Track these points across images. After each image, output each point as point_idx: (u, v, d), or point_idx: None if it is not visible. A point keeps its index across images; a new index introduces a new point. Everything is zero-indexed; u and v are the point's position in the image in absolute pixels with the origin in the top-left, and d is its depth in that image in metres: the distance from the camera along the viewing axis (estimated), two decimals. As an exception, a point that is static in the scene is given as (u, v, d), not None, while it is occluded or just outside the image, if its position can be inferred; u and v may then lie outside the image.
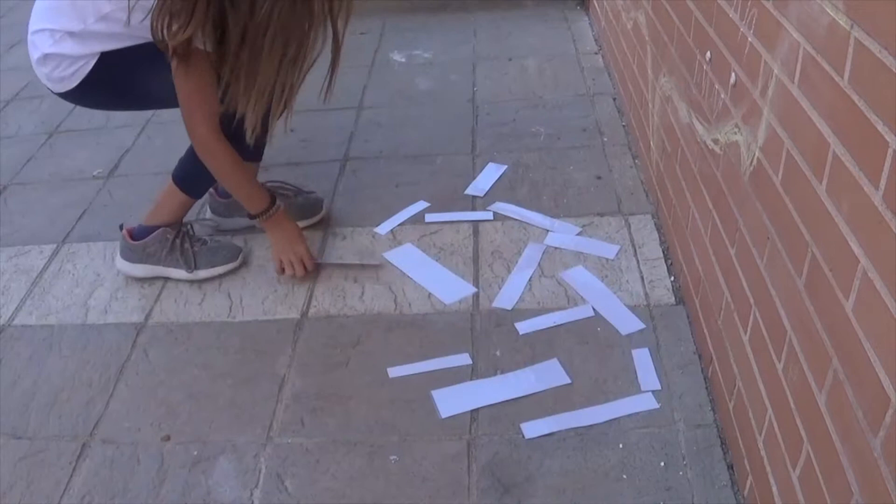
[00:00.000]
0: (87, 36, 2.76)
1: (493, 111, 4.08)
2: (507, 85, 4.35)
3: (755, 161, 2.00)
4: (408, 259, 3.10)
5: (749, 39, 2.03)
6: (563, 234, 3.14)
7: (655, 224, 3.15)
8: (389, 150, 3.79)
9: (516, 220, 3.23)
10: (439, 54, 4.79)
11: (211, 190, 3.26)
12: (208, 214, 3.31)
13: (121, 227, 3.06)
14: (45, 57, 2.81)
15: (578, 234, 3.14)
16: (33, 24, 2.85)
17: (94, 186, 3.69)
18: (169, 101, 2.80)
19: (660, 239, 3.07)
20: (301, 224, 3.23)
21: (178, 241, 3.03)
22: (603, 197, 3.35)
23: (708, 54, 2.40)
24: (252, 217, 3.02)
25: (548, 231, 3.16)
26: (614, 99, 4.09)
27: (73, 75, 2.81)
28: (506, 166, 3.58)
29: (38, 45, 2.82)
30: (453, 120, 4.02)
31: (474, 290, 2.89)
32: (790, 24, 1.75)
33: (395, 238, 3.18)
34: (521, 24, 5.12)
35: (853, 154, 1.44)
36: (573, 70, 4.46)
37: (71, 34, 2.76)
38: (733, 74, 2.16)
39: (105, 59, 2.80)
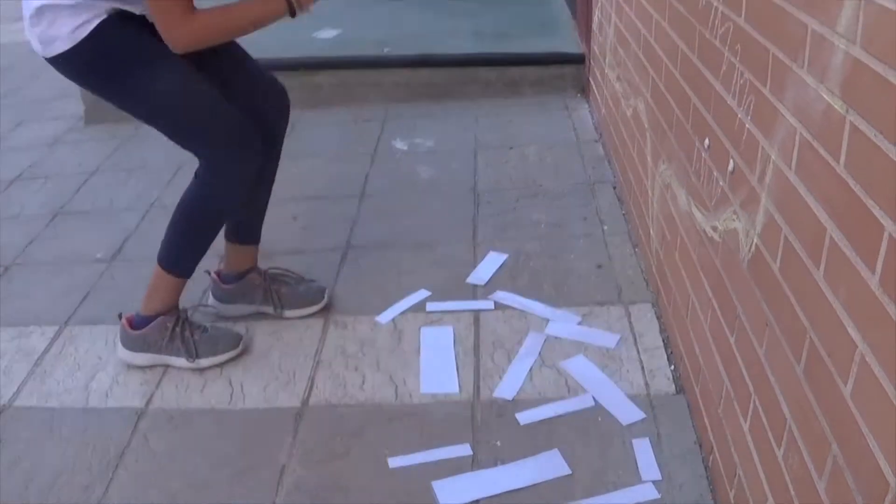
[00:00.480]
0: None
1: (495, 200, 4.10)
2: (508, 173, 4.38)
3: (753, 248, 2.00)
4: (435, 340, 3.10)
5: (747, 126, 2.05)
6: (563, 323, 3.14)
7: (656, 313, 3.14)
8: (391, 239, 3.80)
9: (517, 309, 3.23)
10: (441, 142, 4.82)
11: (213, 276, 3.26)
12: (210, 301, 3.31)
13: (120, 317, 3.06)
14: (41, 10, 2.67)
15: (579, 323, 3.13)
16: None
17: (96, 269, 3.70)
18: (155, 108, 2.80)
19: (660, 327, 3.06)
20: (303, 312, 3.26)
21: (177, 329, 3.03)
22: (603, 286, 3.35)
23: (706, 141, 2.42)
24: (293, 15, 2.80)
25: (548, 320, 3.15)
26: (614, 187, 4.11)
27: (71, 34, 2.68)
28: (507, 255, 3.58)
29: None
30: (454, 208, 4.04)
31: (455, 390, 2.85)
32: (787, 109, 1.77)
33: (395, 327, 3.17)
34: (522, 112, 5.18)
35: (850, 239, 1.44)
36: (574, 158, 4.49)
37: None
38: (731, 161, 2.18)
39: (108, 25, 2.71)
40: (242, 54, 3.10)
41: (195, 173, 2.94)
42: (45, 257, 3.87)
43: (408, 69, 5.48)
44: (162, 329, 3.01)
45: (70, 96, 5.69)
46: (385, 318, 3.24)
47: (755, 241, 1.99)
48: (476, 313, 3.22)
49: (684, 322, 2.72)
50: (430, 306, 3.29)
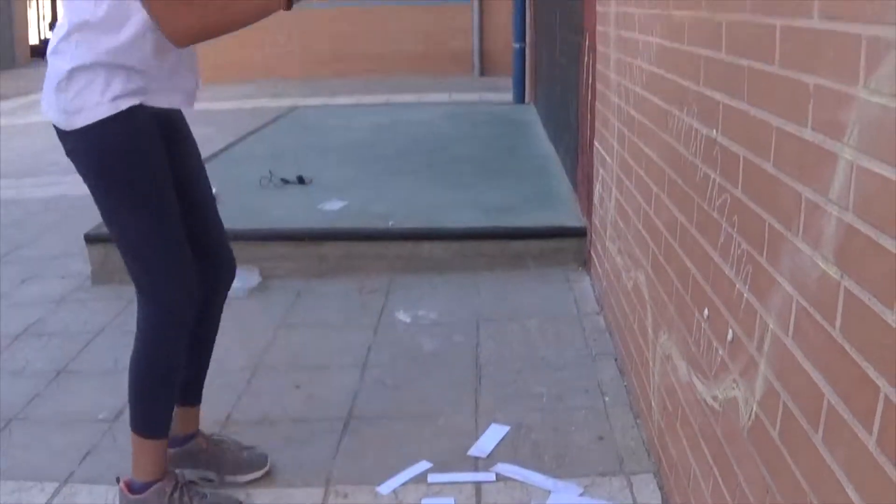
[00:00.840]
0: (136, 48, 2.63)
1: (496, 372, 4.11)
2: (509, 345, 4.40)
3: (753, 415, 2.02)
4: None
5: (745, 295, 2.09)
6: (565, 494, 3.11)
7: (658, 482, 3.13)
8: (393, 409, 3.79)
9: (519, 480, 3.21)
10: (444, 314, 4.85)
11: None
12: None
13: (118, 480, 3.04)
14: (73, 73, 2.62)
15: (581, 494, 3.11)
16: (58, 34, 2.66)
17: (99, 429, 3.68)
18: (135, 218, 2.78)
19: (662, 498, 3.04)
20: (247, 478, 3.22)
21: (175, 494, 2.98)
22: (605, 457, 3.34)
23: (706, 312, 2.45)
24: (289, 7, 2.72)
25: (550, 492, 3.13)
26: (616, 359, 4.13)
27: (105, 103, 2.62)
28: (508, 427, 3.57)
29: (64, 60, 2.63)
30: (457, 380, 4.04)
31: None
32: (783, 277, 1.81)
33: (396, 498, 3.15)
34: (524, 284, 5.22)
35: (847, 402, 1.46)
36: (575, 330, 4.52)
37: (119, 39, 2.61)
38: (730, 330, 2.21)
39: (142, 113, 2.69)
40: (213, 204, 3.14)
41: (136, 336, 2.95)
42: (47, 414, 3.85)
43: (412, 242, 5.56)
44: (160, 494, 2.97)
45: (76, 255, 5.80)
46: (386, 488, 3.21)
47: (754, 408, 2.01)
48: (478, 485, 3.20)
49: (686, 491, 2.71)
50: (431, 478, 3.27)
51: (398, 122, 9.93)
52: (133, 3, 2.60)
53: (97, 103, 2.62)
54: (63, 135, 2.72)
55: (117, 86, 2.64)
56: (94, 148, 2.71)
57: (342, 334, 4.64)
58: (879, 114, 1.37)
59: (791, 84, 1.79)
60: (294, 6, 2.73)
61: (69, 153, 2.76)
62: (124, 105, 2.65)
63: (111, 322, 4.83)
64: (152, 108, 2.76)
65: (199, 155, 3.11)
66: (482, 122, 9.78)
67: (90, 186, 2.81)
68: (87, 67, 2.61)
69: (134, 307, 2.93)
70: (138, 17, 2.62)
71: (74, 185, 7.46)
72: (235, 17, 2.72)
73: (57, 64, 2.65)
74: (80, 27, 2.62)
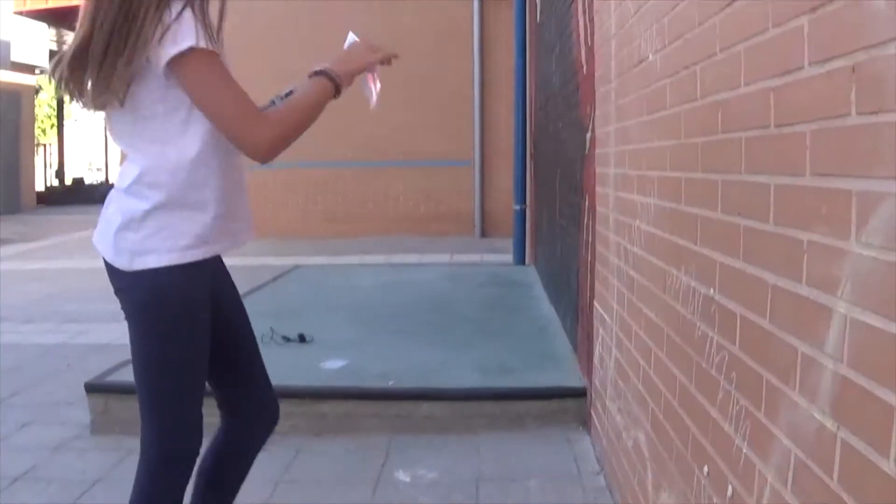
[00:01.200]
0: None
1: (496, 531, 4.08)
2: (510, 506, 4.37)
3: (754, 571, 2.01)
4: None
5: (744, 451, 2.10)
6: None
7: None
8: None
9: None
10: (443, 474, 4.82)
11: None
12: None
13: None
14: (149, 214, 2.58)
15: None
16: (129, 173, 2.63)
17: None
18: (164, 365, 2.71)
19: None
20: None
21: None
22: None
23: (706, 469, 2.45)
24: (338, 93, 2.74)
25: None
26: (616, 519, 4.10)
27: (179, 252, 2.58)
28: (507, 586, 3.54)
29: (140, 201, 2.59)
30: (456, 538, 4.01)
31: None
32: (781, 431, 1.83)
33: None
34: (524, 444, 5.19)
35: (846, 552, 1.47)
36: (575, 490, 4.49)
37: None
38: (730, 486, 2.21)
39: (208, 266, 2.69)
40: (255, 342, 3.15)
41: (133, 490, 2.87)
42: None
43: (412, 401, 5.55)
44: None
45: (76, 404, 5.78)
46: None
47: (755, 565, 2.01)
48: None
49: None
50: None
51: (399, 282, 10.02)
52: (197, 130, 2.59)
53: (168, 249, 2.58)
54: (118, 273, 2.65)
55: (191, 233, 2.61)
56: (150, 292, 2.64)
57: (341, 492, 4.61)
58: (871, 266, 1.41)
59: (785, 241, 1.83)
60: (342, 92, 2.75)
61: (119, 291, 2.70)
62: (193, 257, 2.62)
63: (109, 472, 4.79)
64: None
65: (238, 292, 3.07)
66: (483, 283, 9.85)
67: (131, 325, 2.73)
68: (163, 208, 2.58)
69: (132, 459, 2.91)
70: (206, 140, 2.59)
71: (76, 334, 7.58)
72: (303, 121, 2.67)
73: (130, 204, 2.60)
74: (155, 169, 2.59)
